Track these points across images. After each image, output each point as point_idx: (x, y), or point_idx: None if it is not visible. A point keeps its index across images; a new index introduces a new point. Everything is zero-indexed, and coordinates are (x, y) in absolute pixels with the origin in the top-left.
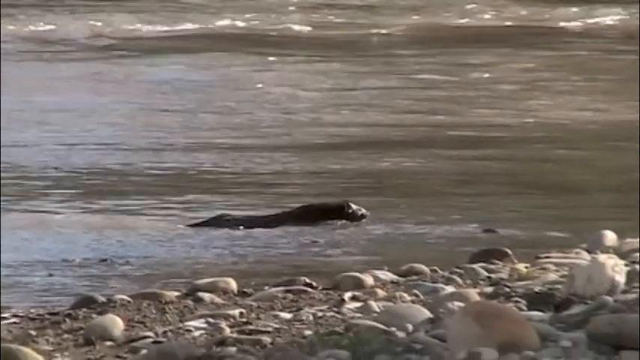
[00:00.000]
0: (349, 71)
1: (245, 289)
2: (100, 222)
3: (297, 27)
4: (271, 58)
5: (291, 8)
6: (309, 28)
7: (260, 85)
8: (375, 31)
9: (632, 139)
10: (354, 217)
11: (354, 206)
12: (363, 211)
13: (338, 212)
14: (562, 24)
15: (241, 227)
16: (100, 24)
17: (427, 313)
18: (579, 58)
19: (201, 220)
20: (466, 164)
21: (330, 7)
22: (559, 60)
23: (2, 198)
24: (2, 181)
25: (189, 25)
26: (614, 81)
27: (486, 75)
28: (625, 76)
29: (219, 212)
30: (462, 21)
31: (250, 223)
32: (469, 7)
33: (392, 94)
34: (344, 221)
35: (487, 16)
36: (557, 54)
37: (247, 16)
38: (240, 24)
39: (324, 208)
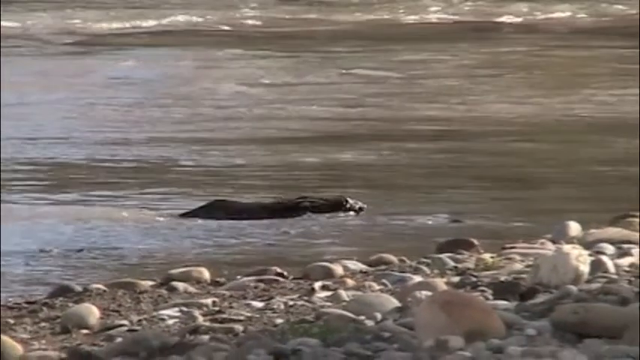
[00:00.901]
0: (296, 66)
1: (218, 279)
2: (76, 213)
3: (250, 22)
4: (220, 53)
5: (253, 5)
6: (259, 23)
7: (210, 80)
8: (322, 28)
9: (580, 132)
10: (352, 211)
11: (351, 200)
12: (360, 204)
13: (336, 206)
14: (509, 20)
15: (235, 216)
16: (59, 20)
17: (395, 302)
18: (524, 54)
19: (187, 209)
20: (426, 157)
21: (289, 3)
22: (504, 55)
23: None
24: None
25: (147, 22)
26: (558, 76)
27: (431, 70)
28: (568, 71)
29: (182, 205)
30: (411, 17)
31: (245, 212)
32: (418, 3)
33: (339, 89)
34: (347, 214)
35: (434, 10)
36: (502, 49)
37: (203, 12)
38: (195, 19)
39: (322, 201)
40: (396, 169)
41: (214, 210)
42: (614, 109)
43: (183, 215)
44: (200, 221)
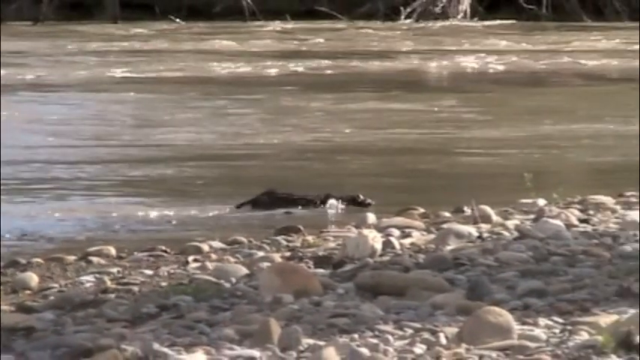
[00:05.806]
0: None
1: (121, 254)
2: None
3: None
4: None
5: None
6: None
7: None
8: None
9: (339, 153)
10: (364, 205)
11: (361, 197)
12: (369, 200)
13: (352, 201)
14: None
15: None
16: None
17: (245, 270)
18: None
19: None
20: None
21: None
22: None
23: None
24: None
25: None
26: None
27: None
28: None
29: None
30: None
31: (289, 202)
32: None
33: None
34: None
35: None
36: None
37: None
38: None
39: (342, 197)
40: (226, 180)
41: (264, 199)
42: (351, 138)
43: (239, 206)
44: (115, 214)
